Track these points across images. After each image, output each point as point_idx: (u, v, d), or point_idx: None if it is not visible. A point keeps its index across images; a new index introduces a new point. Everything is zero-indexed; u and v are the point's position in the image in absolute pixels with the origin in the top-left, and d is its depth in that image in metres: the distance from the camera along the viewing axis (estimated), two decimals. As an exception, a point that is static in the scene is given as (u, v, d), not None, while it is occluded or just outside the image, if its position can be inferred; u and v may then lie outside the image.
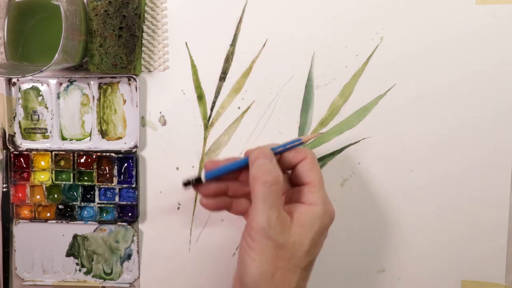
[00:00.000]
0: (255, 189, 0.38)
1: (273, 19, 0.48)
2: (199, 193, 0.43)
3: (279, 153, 0.41)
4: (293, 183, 0.42)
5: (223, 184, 0.43)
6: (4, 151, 0.49)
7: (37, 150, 0.49)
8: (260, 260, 0.37)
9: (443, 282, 0.49)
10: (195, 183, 0.42)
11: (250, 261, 0.38)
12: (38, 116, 0.49)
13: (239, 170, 0.42)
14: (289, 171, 0.43)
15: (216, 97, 0.49)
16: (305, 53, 0.48)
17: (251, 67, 0.48)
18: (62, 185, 0.49)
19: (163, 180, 0.49)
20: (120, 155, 0.49)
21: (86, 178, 0.49)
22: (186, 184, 0.43)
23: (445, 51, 0.47)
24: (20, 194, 0.50)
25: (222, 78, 0.48)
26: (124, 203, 0.49)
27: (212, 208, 0.43)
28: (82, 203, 0.50)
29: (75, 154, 0.49)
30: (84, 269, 0.51)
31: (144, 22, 0.48)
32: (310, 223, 0.39)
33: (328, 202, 0.40)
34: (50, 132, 0.49)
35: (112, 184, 0.49)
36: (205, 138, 0.49)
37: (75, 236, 0.50)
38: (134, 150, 0.49)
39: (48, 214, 0.50)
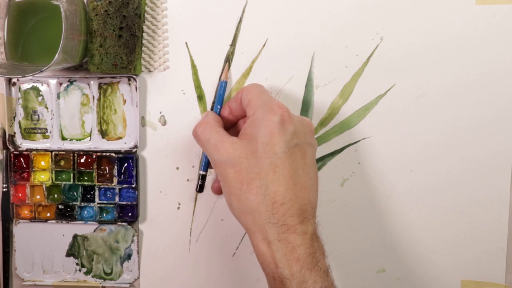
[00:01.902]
0: (198, 142, 0.43)
1: (273, 19, 0.48)
2: (219, 192, 0.48)
3: (218, 105, 0.46)
4: None
5: None
6: (4, 151, 0.49)
7: (37, 150, 0.49)
8: (226, 183, 0.40)
9: (443, 282, 0.49)
10: (202, 181, 0.48)
11: (224, 190, 0.41)
12: (38, 116, 0.49)
13: None
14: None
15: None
16: (305, 53, 0.48)
17: (251, 67, 0.48)
18: (62, 185, 0.49)
19: (163, 180, 0.49)
20: (120, 155, 0.49)
21: (86, 178, 0.49)
22: (201, 188, 0.48)
23: (445, 51, 0.47)
24: (20, 194, 0.50)
25: (222, 78, 0.48)
26: (124, 203, 0.49)
27: (220, 190, 0.47)
28: (82, 203, 0.50)
29: (75, 154, 0.49)
30: (84, 269, 0.51)
31: (144, 22, 0.48)
32: (253, 131, 0.40)
33: (269, 103, 0.40)
34: (50, 132, 0.49)
35: (112, 184, 0.49)
36: (205, 138, 0.49)
37: (75, 236, 0.50)
38: (134, 150, 0.49)
39: (48, 214, 0.50)
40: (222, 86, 0.47)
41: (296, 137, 0.40)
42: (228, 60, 0.48)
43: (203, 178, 0.48)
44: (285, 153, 0.39)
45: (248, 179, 0.38)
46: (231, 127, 0.47)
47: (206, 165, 0.47)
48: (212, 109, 0.48)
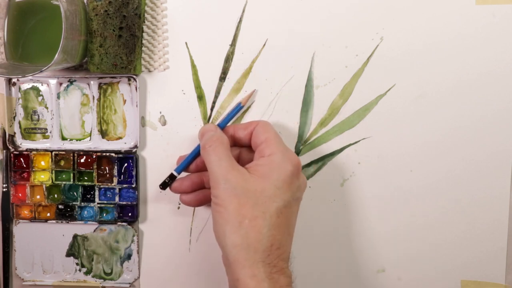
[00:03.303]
0: (205, 157, 0.42)
1: (273, 19, 0.48)
2: (178, 192, 0.47)
3: (225, 123, 0.46)
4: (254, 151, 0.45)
5: (196, 177, 0.46)
6: (4, 151, 0.49)
7: (37, 150, 0.49)
8: (225, 211, 0.39)
9: (443, 282, 0.49)
10: (170, 180, 0.46)
11: (218, 215, 0.40)
12: (38, 116, 0.49)
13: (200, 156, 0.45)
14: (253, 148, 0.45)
15: (216, 97, 0.49)
16: (305, 53, 0.48)
17: (251, 67, 0.48)
18: (62, 185, 0.49)
19: (163, 180, 0.49)
20: (120, 155, 0.49)
21: (86, 178, 0.49)
22: (163, 185, 0.47)
23: (445, 51, 0.47)
24: (20, 194, 0.50)
25: (222, 78, 0.48)
26: (124, 203, 0.49)
27: (193, 202, 0.46)
28: (82, 203, 0.50)
29: (75, 154, 0.49)
30: (84, 269, 0.51)
31: (144, 22, 0.48)
32: (268, 170, 0.41)
33: (287, 151, 0.42)
34: (50, 132, 0.49)
35: (112, 184, 0.49)
36: (205, 138, 0.49)
37: (75, 236, 0.50)
38: (134, 150, 0.49)
39: (48, 214, 0.50)
40: (237, 108, 0.47)
41: (299, 191, 0.42)
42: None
43: (172, 178, 0.46)
44: (289, 203, 0.40)
45: (252, 216, 0.39)
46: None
47: (183, 168, 0.46)
48: (217, 123, 0.48)
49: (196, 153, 0.46)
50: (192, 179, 0.46)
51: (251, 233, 0.39)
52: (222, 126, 0.46)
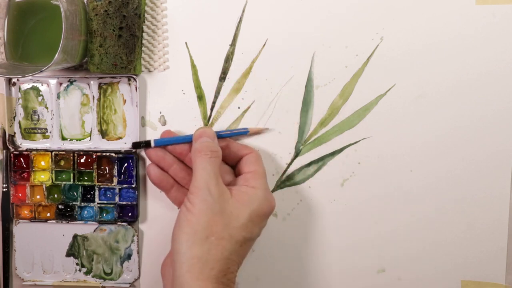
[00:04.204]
0: (196, 160, 0.42)
1: (273, 19, 0.48)
2: (150, 158, 0.47)
3: (223, 136, 0.47)
4: (239, 175, 0.46)
5: (169, 157, 0.47)
6: (4, 151, 0.49)
7: (37, 150, 0.49)
8: (196, 220, 0.40)
9: (443, 282, 0.49)
10: (144, 145, 0.47)
11: (186, 222, 0.40)
12: (38, 116, 0.49)
13: (185, 146, 0.46)
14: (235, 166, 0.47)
15: (216, 97, 0.49)
16: (305, 53, 0.48)
17: (251, 67, 0.48)
18: (62, 185, 0.49)
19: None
20: (120, 155, 0.49)
21: (86, 178, 0.49)
22: (136, 145, 0.47)
23: (445, 51, 0.47)
24: (20, 194, 0.50)
25: (222, 78, 0.48)
26: (124, 203, 0.49)
27: (155, 179, 0.46)
28: (82, 203, 0.50)
29: (75, 154, 0.49)
30: (84, 269, 0.51)
31: (144, 22, 0.48)
32: (248, 200, 0.42)
33: (268, 192, 0.44)
34: (50, 132, 0.49)
35: (112, 184, 0.49)
36: (205, 138, 0.49)
37: (75, 236, 0.50)
38: (134, 150, 0.49)
39: (48, 214, 0.50)
40: (242, 132, 0.48)
41: (260, 231, 0.44)
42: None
43: (147, 145, 0.47)
44: (252, 238, 0.43)
45: (219, 236, 0.40)
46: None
47: (163, 145, 0.46)
48: (217, 131, 0.47)
49: (185, 141, 0.46)
50: (166, 158, 0.47)
51: (213, 250, 0.40)
52: (219, 136, 0.46)
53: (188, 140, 0.46)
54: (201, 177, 0.41)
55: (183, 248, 0.40)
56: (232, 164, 0.47)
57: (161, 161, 0.47)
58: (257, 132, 0.48)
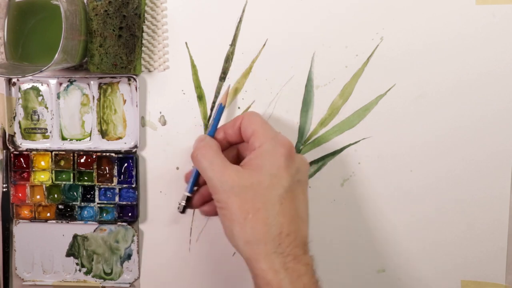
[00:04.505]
0: (198, 165, 0.42)
1: (273, 19, 0.48)
2: (198, 208, 0.46)
3: (214, 129, 0.45)
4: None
5: (204, 189, 0.46)
6: (4, 151, 0.49)
7: (37, 150, 0.49)
8: (229, 212, 0.39)
9: (443, 282, 0.49)
10: (187, 203, 0.45)
11: (224, 218, 0.40)
12: (38, 116, 0.49)
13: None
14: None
15: (216, 97, 0.49)
16: (305, 53, 0.48)
17: (251, 67, 0.48)
18: (62, 185, 0.49)
19: (163, 180, 0.49)
20: (120, 155, 0.49)
21: (86, 178, 0.49)
22: (184, 210, 0.46)
23: (445, 51, 0.47)
24: (20, 194, 0.50)
25: (222, 78, 0.48)
26: (124, 203, 0.49)
27: (212, 212, 0.46)
28: (82, 203, 0.50)
29: (75, 154, 0.49)
30: (84, 269, 0.51)
31: (144, 22, 0.48)
32: (261, 162, 0.40)
33: (277, 137, 0.41)
34: (50, 132, 0.49)
35: (112, 184, 0.49)
36: (205, 138, 0.49)
37: (75, 236, 0.50)
38: (134, 150, 0.49)
39: (48, 214, 0.50)
40: (220, 110, 0.46)
41: (299, 173, 0.41)
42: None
43: (188, 200, 0.45)
44: (290, 187, 0.40)
45: (254, 209, 0.39)
46: (223, 150, 0.45)
47: (193, 186, 0.45)
48: (207, 132, 0.47)
49: (219, 117, 0.46)
50: (201, 192, 0.46)
51: (257, 226, 0.38)
52: (212, 133, 0.45)
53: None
54: (208, 174, 0.41)
55: (235, 242, 0.40)
56: (242, 140, 0.45)
57: (205, 198, 0.46)
58: (227, 96, 0.47)
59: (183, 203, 0.45)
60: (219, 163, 0.41)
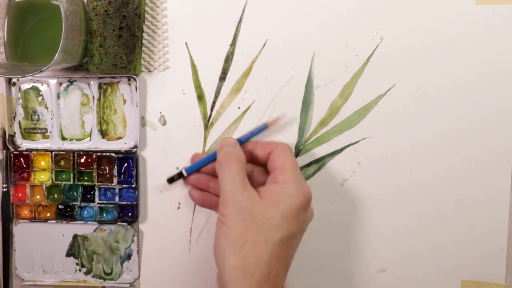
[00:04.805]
0: (219, 172, 0.42)
1: (273, 19, 0.48)
2: (188, 183, 0.48)
3: (246, 140, 0.46)
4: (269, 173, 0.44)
5: (205, 177, 0.47)
6: (4, 151, 0.49)
7: (37, 150, 0.49)
8: (229, 231, 0.39)
9: (443, 282, 0.49)
10: (177, 178, 0.47)
11: (221, 234, 0.40)
12: (38, 116, 0.49)
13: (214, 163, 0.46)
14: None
15: (216, 97, 0.49)
16: (305, 53, 0.48)
17: (251, 67, 0.48)
18: (62, 185, 0.49)
19: (163, 180, 0.49)
20: (120, 155, 0.49)
21: (86, 178, 0.49)
22: (170, 180, 0.48)
23: (445, 51, 0.47)
24: (20, 194, 0.50)
25: (222, 78, 0.48)
26: (124, 203, 0.49)
27: (198, 201, 0.47)
28: (82, 203, 0.50)
29: (75, 154, 0.49)
30: (84, 269, 0.51)
31: (144, 22, 0.48)
32: (279, 199, 0.40)
33: (301, 183, 0.41)
34: (50, 132, 0.49)
35: (112, 184, 0.49)
36: (205, 138, 0.49)
37: (75, 236, 0.50)
38: (134, 150, 0.49)
39: (48, 214, 0.50)
40: (262, 129, 0.47)
41: (305, 224, 0.42)
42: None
43: (180, 176, 0.47)
44: (294, 235, 0.40)
45: (255, 241, 0.39)
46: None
47: (194, 170, 0.46)
48: (238, 137, 0.47)
49: (211, 159, 0.46)
50: (201, 179, 0.47)
51: (250, 258, 0.39)
52: (242, 141, 0.45)
53: (214, 157, 0.46)
54: (226, 187, 0.40)
55: (222, 261, 0.39)
56: (264, 164, 0.45)
57: (198, 184, 0.47)
58: (275, 122, 0.48)
59: (175, 177, 0.47)
60: (240, 180, 0.41)
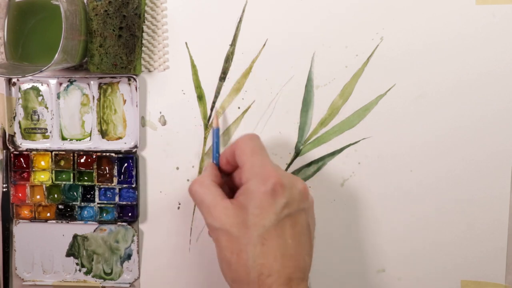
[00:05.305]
0: (194, 200, 0.42)
1: (273, 19, 0.48)
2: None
3: (216, 156, 0.45)
4: None
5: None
6: (4, 151, 0.49)
7: (37, 150, 0.49)
8: (219, 249, 0.40)
9: (443, 282, 0.49)
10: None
11: (216, 253, 0.41)
12: (38, 116, 0.49)
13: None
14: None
15: (216, 97, 0.49)
16: (305, 53, 0.48)
17: (251, 67, 0.48)
18: (62, 185, 0.49)
19: (163, 180, 0.49)
20: (120, 155, 0.49)
21: (86, 178, 0.49)
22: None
23: (445, 51, 0.47)
24: (20, 194, 0.50)
25: (222, 78, 0.48)
26: (124, 203, 0.49)
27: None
28: (82, 203, 0.50)
29: (75, 154, 0.49)
30: (84, 269, 0.51)
31: (144, 22, 0.48)
32: (245, 200, 0.39)
33: (261, 173, 0.39)
34: (50, 132, 0.49)
35: (112, 184, 0.49)
36: (205, 138, 0.49)
37: (75, 236, 0.50)
38: (134, 150, 0.49)
39: (48, 214, 0.50)
40: (215, 134, 0.46)
41: (287, 207, 0.39)
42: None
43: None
44: (274, 226, 0.38)
45: (237, 250, 0.39)
46: (233, 171, 0.44)
47: (218, 153, 0.45)
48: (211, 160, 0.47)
49: (216, 140, 0.46)
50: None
51: (239, 268, 0.39)
52: (215, 159, 0.45)
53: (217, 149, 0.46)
54: (201, 210, 0.41)
55: (224, 277, 0.40)
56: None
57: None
58: (217, 120, 0.47)
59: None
60: (209, 199, 0.40)
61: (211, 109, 0.49)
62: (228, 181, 0.45)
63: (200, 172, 0.49)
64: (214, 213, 0.40)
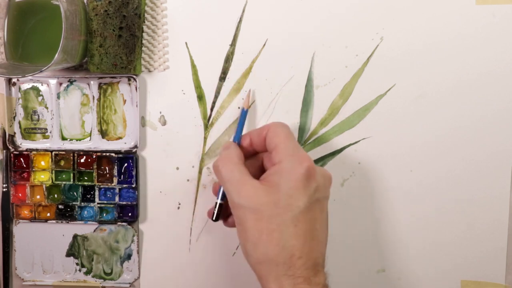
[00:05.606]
0: (218, 176, 0.41)
1: (273, 19, 0.48)
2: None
3: (239, 135, 0.45)
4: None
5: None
6: (4, 151, 0.49)
7: (37, 150, 0.49)
8: (244, 229, 0.39)
9: (443, 282, 0.49)
10: (219, 209, 0.45)
11: (239, 234, 0.40)
12: (38, 116, 0.49)
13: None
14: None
15: (216, 97, 0.49)
16: (305, 53, 0.48)
17: (251, 67, 0.48)
18: (62, 185, 0.49)
19: (163, 180, 0.49)
20: (120, 155, 0.49)
21: (86, 178, 0.49)
22: (217, 218, 0.45)
23: (445, 51, 0.47)
24: (20, 194, 0.50)
25: (222, 78, 0.48)
26: (124, 203, 0.49)
27: (234, 225, 0.45)
28: (82, 203, 0.50)
29: (75, 154, 0.49)
30: (84, 269, 0.51)
31: (144, 22, 0.48)
32: (279, 180, 0.39)
33: (296, 155, 0.40)
34: (50, 132, 0.49)
35: (112, 184, 0.49)
36: (205, 138, 0.49)
37: (75, 236, 0.50)
38: (134, 150, 0.49)
39: (48, 214, 0.50)
40: (243, 114, 0.46)
41: (318, 192, 0.39)
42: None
43: (220, 207, 0.45)
44: (306, 208, 0.39)
45: (268, 230, 0.38)
46: (250, 156, 0.45)
47: (224, 194, 0.45)
48: (232, 138, 0.46)
49: (243, 121, 0.46)
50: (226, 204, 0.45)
51: (269, 247, 0.38)
52: (237, 139, 0.45)
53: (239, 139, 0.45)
54: (227, 187, 0.40)
55: (248, 259, 0.39)
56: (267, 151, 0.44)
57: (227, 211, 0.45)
58: (249, 100, 0.47)
59: (217, 211, 0.45)
60: (238, 177, 0.40)
61: (211, 109, 0.49)
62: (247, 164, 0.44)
63: (200, 172, 0.49)
64: (243, 191, 0.39)
